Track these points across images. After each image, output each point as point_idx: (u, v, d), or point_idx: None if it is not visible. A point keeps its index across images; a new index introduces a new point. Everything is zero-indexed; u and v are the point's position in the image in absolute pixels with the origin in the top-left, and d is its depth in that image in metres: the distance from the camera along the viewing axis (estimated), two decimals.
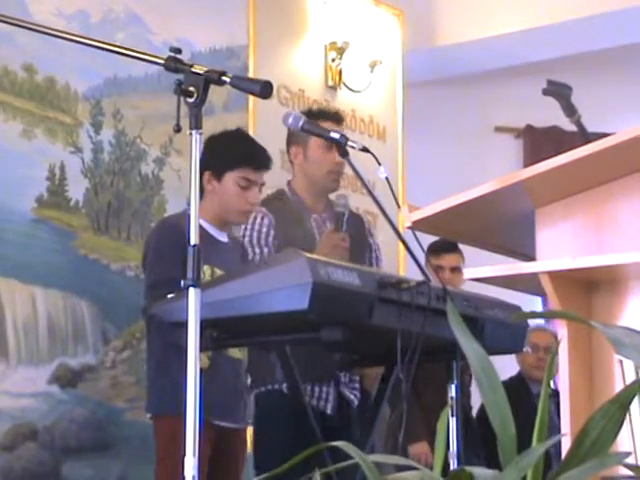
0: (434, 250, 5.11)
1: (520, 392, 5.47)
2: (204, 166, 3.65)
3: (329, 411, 3.90)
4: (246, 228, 3.98)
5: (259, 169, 3.67)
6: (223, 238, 3.72)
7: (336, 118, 4.12)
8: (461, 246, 5.04)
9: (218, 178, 3.64)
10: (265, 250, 3.94)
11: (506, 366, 5.47)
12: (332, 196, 4.08)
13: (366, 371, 4.04)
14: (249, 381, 3.85)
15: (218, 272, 3.53)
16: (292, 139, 4.10)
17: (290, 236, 3.91)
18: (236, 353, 3.65)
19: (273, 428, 3.82)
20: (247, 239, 3.97)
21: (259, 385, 3.92)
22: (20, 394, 4.02)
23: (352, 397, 3.98)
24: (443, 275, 4.97)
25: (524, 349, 5.53)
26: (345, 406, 3.95)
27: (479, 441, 5.36)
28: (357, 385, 4.02)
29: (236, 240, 3.94)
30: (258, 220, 3.98)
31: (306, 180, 4.08)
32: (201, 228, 3.37)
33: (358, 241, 4.05)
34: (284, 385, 3.78)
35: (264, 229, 3.97)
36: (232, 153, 3.67)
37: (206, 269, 3.49)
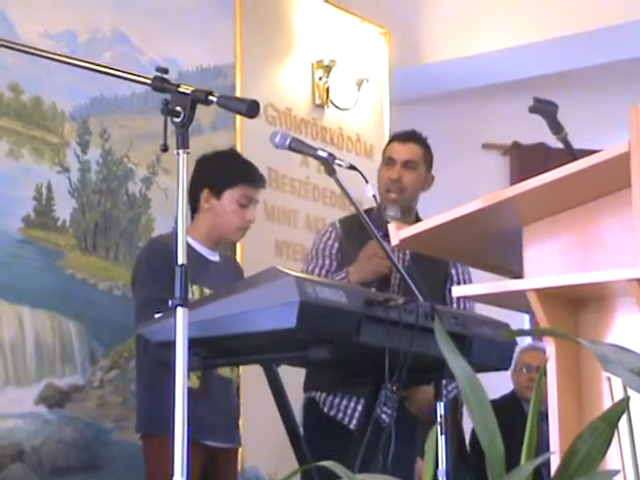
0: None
1: (513, 411, 5.44)
2: (202, 184, 3.67)
3: (353, 427, 3.85)
4: (317, 239, 4.12)
5: (258, 187, 3.70)
6: (214, 257, 3.71)
7: (399, 137, 4.23)
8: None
9: (217, 196, 3.64)
10: (327, 262, 4.03)
11: (500, 385, 5.45)
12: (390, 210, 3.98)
13: (408, 394, 3.89)
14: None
15: (207, 293, 3.52)
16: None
17: (353, 254, 3.93)
18: (226, 372, 3.64)
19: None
20: (314, 250, 4.08)
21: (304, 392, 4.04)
22: (7, 415, 4.00)
23: (384, 416, 3.79)
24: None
25: (520, 369, 5.53)
26: (374, 424, 3.82)
27: (469, 459, 5.35)
28: (393, 405, 3.87)
29: (229, 259, 3.93)
30: (327, 234, 4.11)
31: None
32: (191, 248, 3.39)
33: (429, 265, 3.71)
34: (312, 393, 3.95)
35: (330, 242, 4.07)
36: (232, 171, 3.68)
37: (195, 289, 3.48)
